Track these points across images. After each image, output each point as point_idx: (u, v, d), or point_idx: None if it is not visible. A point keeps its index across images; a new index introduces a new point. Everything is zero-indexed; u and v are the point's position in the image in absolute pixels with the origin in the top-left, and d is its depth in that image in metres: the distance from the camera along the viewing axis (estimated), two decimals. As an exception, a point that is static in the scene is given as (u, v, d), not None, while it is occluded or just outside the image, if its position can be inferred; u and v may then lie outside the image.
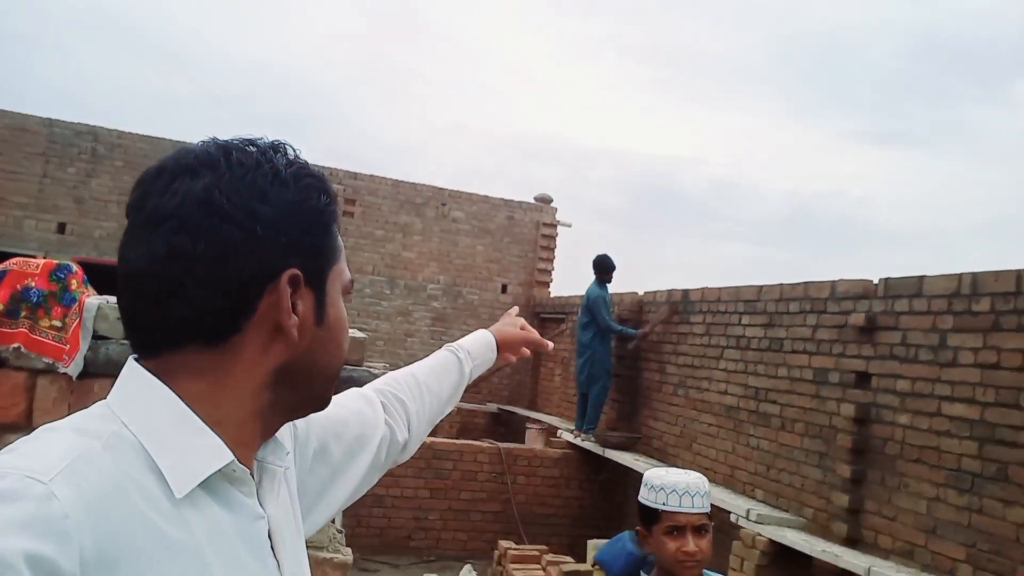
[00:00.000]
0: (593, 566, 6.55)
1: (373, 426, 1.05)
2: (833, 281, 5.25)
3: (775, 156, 62.53)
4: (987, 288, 4.00)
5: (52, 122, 10.28)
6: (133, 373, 0.69)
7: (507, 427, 10.33)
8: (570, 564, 5.91)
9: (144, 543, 0.59)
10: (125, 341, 2.32)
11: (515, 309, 1.50)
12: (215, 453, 0.66)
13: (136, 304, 0.69)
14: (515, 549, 6.23)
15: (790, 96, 60.87)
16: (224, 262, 0.66)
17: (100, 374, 2.25)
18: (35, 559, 0.52)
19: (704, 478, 1.99)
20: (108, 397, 0.69)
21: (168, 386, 0.67)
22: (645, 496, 1.95)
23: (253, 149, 0.71)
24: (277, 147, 0.73)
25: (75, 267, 2.32)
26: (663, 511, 1.89)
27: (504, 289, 11.42)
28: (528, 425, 8.77)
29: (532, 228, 11.59)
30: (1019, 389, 3.72)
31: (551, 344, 1.48)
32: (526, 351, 1.40)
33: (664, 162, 60.23)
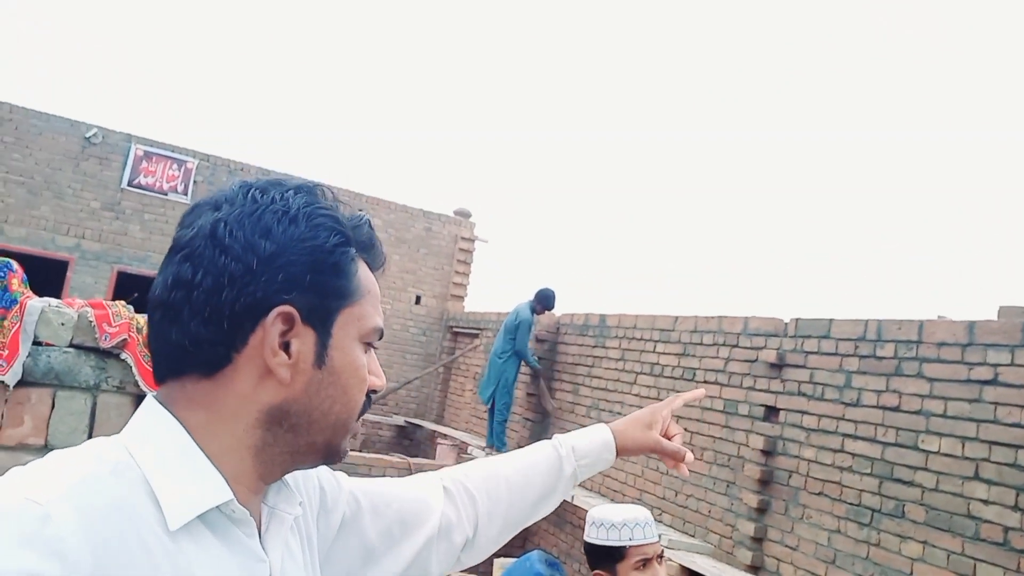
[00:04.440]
0: (500, 586, 6.57)
1: (424, 513, 0.97)
2: (746, 317, 5.52)
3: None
4: (891, 335, 4.32)
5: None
6: (148, 404, 0.70)
7: (412, 440, 10.21)
8: (479, 584, 5.90)
9: (140, 572, 0.59)
10: (69, 349, 2.16)
11: (673, 403, 1.19)
12: (214, 490, 0.66)
13: (150, 329, 0.71)
14: (422, 567, 6.17)
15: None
16: (219, 293, 0.67)
17: (39, 383, 2.07)
18: None
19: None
20: (124, 428, 0.70)
21: (176, 417, 0.68)
22: (601, 536, 1.93)
23: (274, 189, 0.73)
24: (304, 189, 0.74)
25: (15, 265, 2.14)
26: (631, 547, 1.90)
27: (418, 300, 11.32)
28: (439, 441, 8.71)
29: (450, 241, 11.57)
30: (917, 432, 4.02)
31: (688, 458, 1.14)
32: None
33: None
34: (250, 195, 0.71)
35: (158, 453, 0.65)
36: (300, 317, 0.69)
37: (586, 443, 1.11)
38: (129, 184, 10.26)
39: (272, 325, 0.68)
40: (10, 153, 9.65)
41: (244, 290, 0.67)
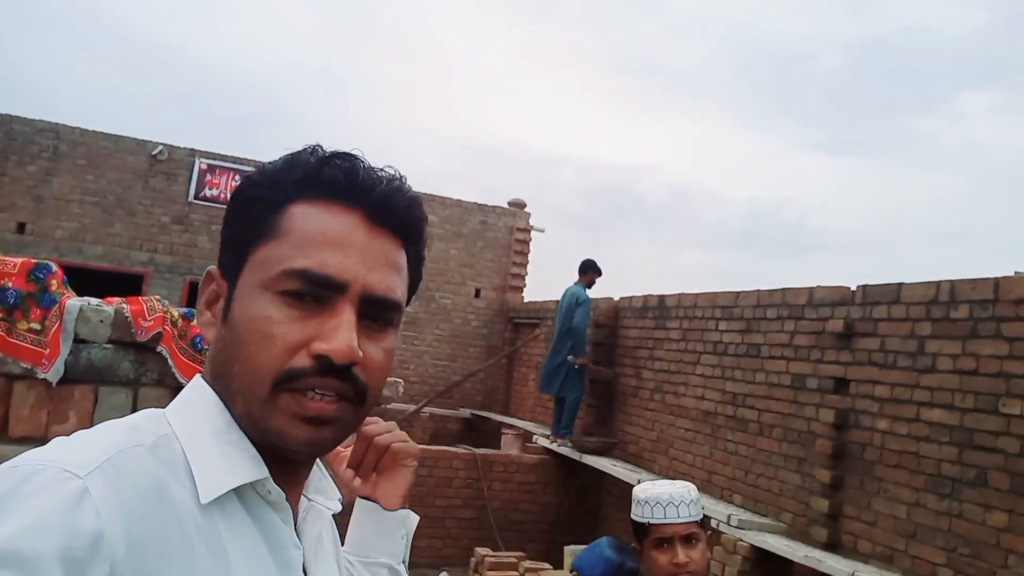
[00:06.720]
0: (571, 572, 6.52)
1: None
2: (811, 288, 5.30)
3: (730, 164, 63.69)
4: (964, 296, 4.06)
5: (11, 119, 9.98)
6: (194, 383, 0.71)
7: (480, 432, 10.26)
8: (548, 571, 5.87)
9: (173, 548, 0.57)
10: (108, 345, 2.22)
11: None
12: (249, 466, 0.65)
13: None
14: (492, 556, 6.17)
15: (744, 105, 62.01)
16: None
17: (81, 380, 2.14)
18: (66, 558, 0.50)
19: (692, 487, 1.95)
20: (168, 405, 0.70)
21: (216, 392, 0.68)
22: (634, 512, 1.92)
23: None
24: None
25: (55, 267, 2.22)
26: (650, 524, 1.85)
27: (477, 294, 11.36)
28: (504, 431, 8.72)
29: (506, 233, 11.56)
30: (997, 395, 3.77)
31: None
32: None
33: (622, 169, 60.93)
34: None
35: (198, 429, 0.65)
36: (220, 273, 0.70)
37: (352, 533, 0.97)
38: (196, 197, 10.63)
39: (206, 282, 0.71)
40: (84, 175, 10.13)
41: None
